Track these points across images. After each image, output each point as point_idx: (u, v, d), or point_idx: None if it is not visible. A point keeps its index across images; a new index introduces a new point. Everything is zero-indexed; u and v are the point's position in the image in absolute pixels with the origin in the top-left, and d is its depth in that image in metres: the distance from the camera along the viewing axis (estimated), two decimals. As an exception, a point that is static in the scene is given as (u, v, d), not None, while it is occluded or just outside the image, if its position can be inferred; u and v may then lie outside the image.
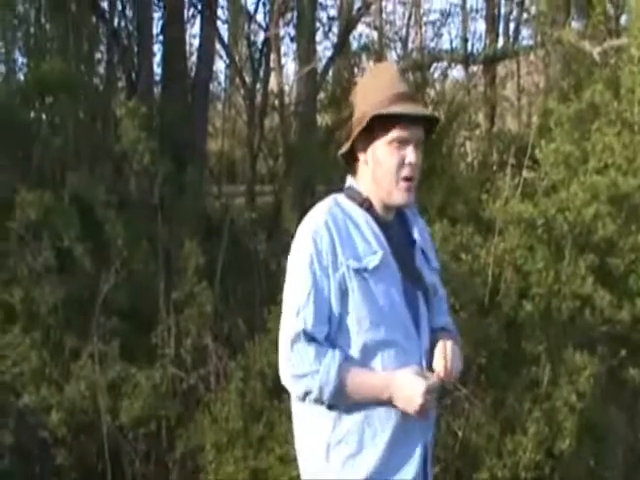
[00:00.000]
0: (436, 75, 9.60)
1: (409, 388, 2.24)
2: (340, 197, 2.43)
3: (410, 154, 2.34)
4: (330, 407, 2.30)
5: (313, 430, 2.36)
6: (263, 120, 8.06)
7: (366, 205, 2.40)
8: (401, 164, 2.34)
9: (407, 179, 2.36)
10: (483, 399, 5.01)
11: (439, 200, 6.27)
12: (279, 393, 4.58)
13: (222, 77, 12.54)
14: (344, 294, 2.28)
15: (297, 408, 2.42)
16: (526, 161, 5.71)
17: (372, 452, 2.30)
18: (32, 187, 5.33)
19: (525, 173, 5.77)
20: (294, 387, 2.31)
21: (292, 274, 2.35)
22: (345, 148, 2.43)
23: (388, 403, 2.27)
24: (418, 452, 2.35)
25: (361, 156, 2.41)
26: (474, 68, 10.99)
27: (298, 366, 2.26)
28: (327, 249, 2.28)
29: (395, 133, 2.34)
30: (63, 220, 5.32)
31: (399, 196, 2.37)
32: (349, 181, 2.47)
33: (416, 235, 2.49)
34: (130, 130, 5.48)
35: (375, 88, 2.41)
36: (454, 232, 5.38)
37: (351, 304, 2.28)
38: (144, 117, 5.59)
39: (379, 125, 2.34)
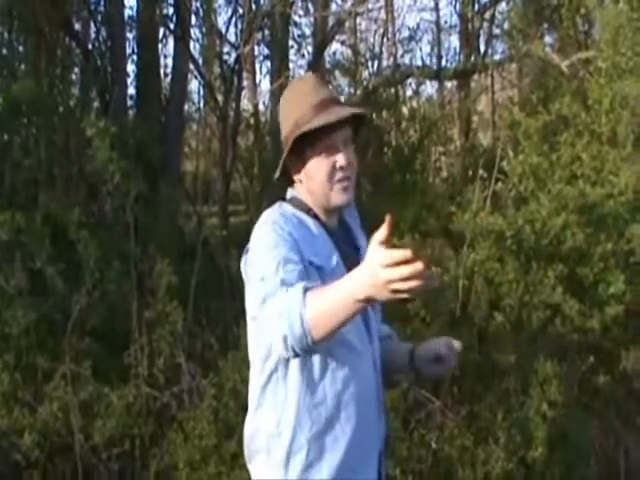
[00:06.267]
0: (410, 91, 9.69)
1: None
2: (286, 205, 2.40)
3: (340, 158, 2.29)
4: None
5: (272, 440, 2.31)
6: (236, 139, 8.06)
7: (312, 213, 2.37)
8: (333, 170, 2.30)
9: (342, 180, 2.32)
10: (457, 411, 5.03)
11: (411, 215, 6.29)
12: (252, 409, 4.56)
13: (197, 97, 12.57)
14: None
15: (255, 415, 2.37)
16: (495, 173, 5.76)
17: (333, 456, 2.28)
18: (3, 208, 5.33)
19: (494, 185, 5.82)
20: (278, 327, 2.01)
21: (254, 264, 2.23)
22: (278, 173, 2.39)
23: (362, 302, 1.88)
24: (375, 455, 2.38)
25: (294, 175, 2.38)
26: (448, 84, 11.11)
27: (279, 303, 2.05)
28: (289, 237, 2.20)
29: (322, 145, 2.30)
30: (35, 241, 5.32)
31: (337, 198, 2.33)
32: (290, 192, 2.44)
33: (360, 242, 2.47)
34: (101, 150, 5.49)
35: (295, 103, 2.35)
36: (425, 245, 5.42)
37: None
38: (115, 137, 5.59)
39: (304, 141, 2.29)
